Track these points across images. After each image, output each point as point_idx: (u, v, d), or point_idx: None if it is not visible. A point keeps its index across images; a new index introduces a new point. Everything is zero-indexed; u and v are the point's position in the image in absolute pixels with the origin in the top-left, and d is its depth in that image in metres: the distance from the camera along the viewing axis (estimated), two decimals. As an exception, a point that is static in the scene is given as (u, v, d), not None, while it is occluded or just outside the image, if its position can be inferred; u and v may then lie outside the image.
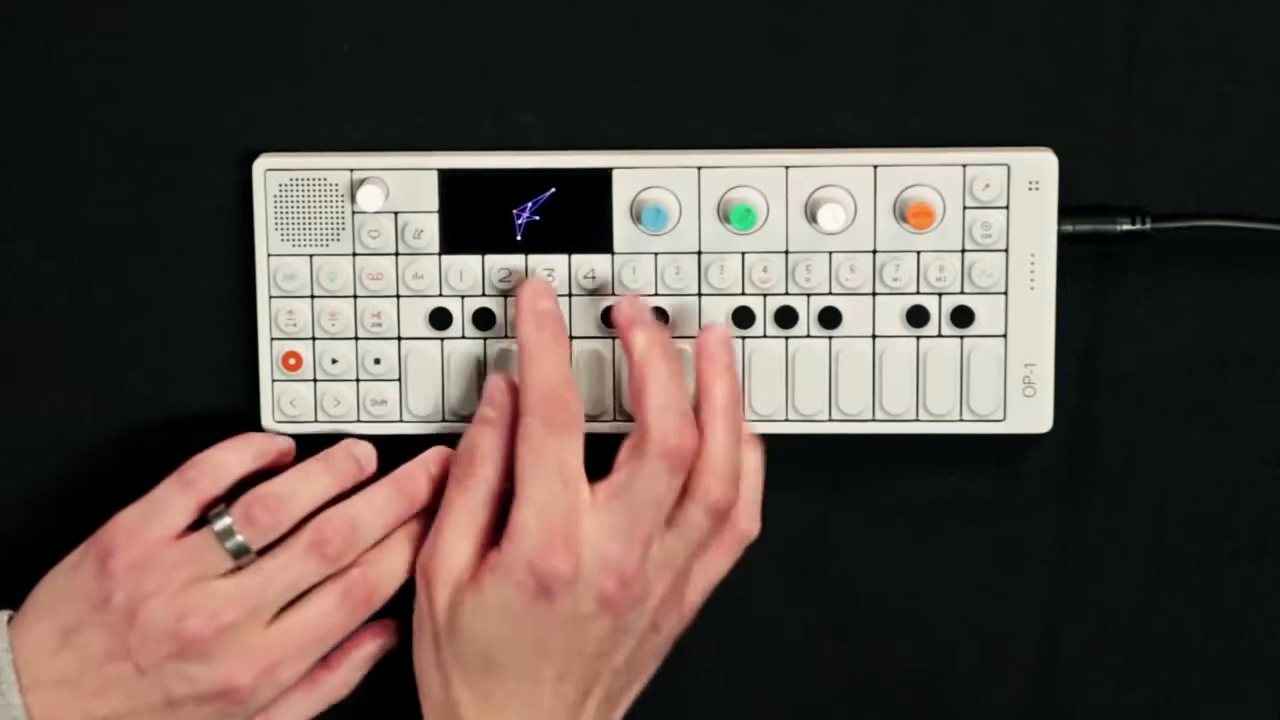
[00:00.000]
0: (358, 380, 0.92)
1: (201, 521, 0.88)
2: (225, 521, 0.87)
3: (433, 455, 0.90)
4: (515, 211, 0.90)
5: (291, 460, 0.91)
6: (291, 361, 0.92)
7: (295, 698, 0.90)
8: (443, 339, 0.92)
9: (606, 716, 0.88)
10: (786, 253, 0.91)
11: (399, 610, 0.91)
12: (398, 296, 0.91)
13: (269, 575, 0.87)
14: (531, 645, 0.85)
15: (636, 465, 0.85)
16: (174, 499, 0.88)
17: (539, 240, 0.91)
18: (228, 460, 0.89)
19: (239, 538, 0.87)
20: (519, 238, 0.90)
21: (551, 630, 0.85)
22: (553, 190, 0.90)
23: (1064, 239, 0.90)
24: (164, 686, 0.86)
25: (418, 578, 0.88)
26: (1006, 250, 0.90)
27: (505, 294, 0.91)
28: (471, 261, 0.91)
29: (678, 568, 0.87)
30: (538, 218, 0.90)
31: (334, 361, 0.92)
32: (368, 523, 0.88)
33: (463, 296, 0.91)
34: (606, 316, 0.91)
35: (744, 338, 0.91)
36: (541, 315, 0.88)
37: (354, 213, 0.91)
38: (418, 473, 0.90)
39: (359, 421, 0.92)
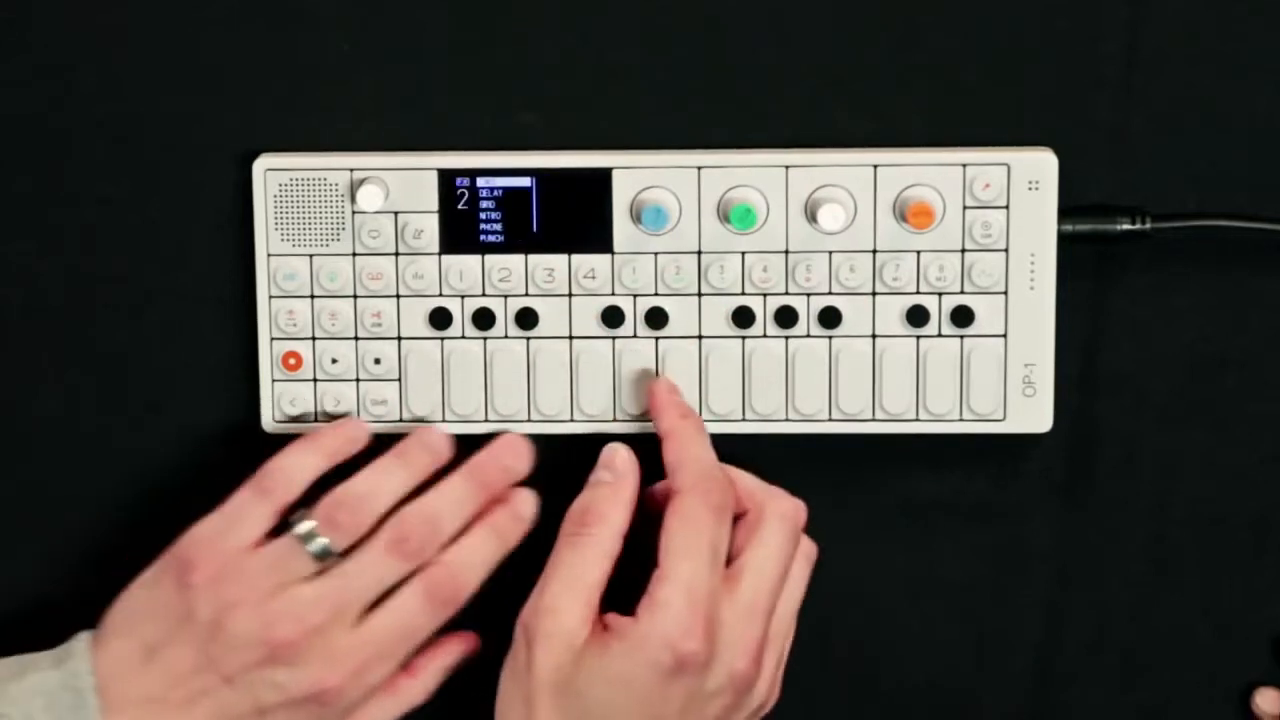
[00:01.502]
0: (358, 380, 0.92)
1: (281, 526, 0.87)
2: (308, 525, 0.86)
3: (504, 444, 0.90)
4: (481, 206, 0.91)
5: (365, 447, 0.90)
6: (291, 361, 0.92)
7: (376, 702, 0.90)
8: (443, 339, 0.92)
9: None
10: (786, 252, 0.91)
11: (481, 617, 0.91)
12: (398, 296, 0.91)
13: (352, 577, 0.86)
14: (648, 717, 0.85)
15: (761, 544, 0.87)
16: (251, 508, 0.87)
17: (539, 240, 0.91)
18: (301, 464, 0.88)
19: (322, 541, 0.86)
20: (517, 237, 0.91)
21: (671, 706, 0.85)
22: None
23: (1064, 239, 0.90)
24: (253, 695, 0.86)
25: (518, 632, 0.86)
26: (1006, 250, 0.90)
27: (505, 295, 0.91)
28: (471, 261, 0.91)
29: (783, 633, 0.89)
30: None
31: (334, 361, 0.92)
32: (445, 516, 0.88)
33: (463, 296, 0.91)
34: (606, 316, 0.91)
35: (744, 338, 0.91)
36: (683, 406, 0.90)
37: (354, 213, 0.91)
38: (490, 462, 0.90)
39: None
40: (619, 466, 0.89)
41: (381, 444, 0.90)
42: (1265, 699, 0.94)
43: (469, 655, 0.92)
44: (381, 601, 0.87)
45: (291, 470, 0.88)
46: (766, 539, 0.87)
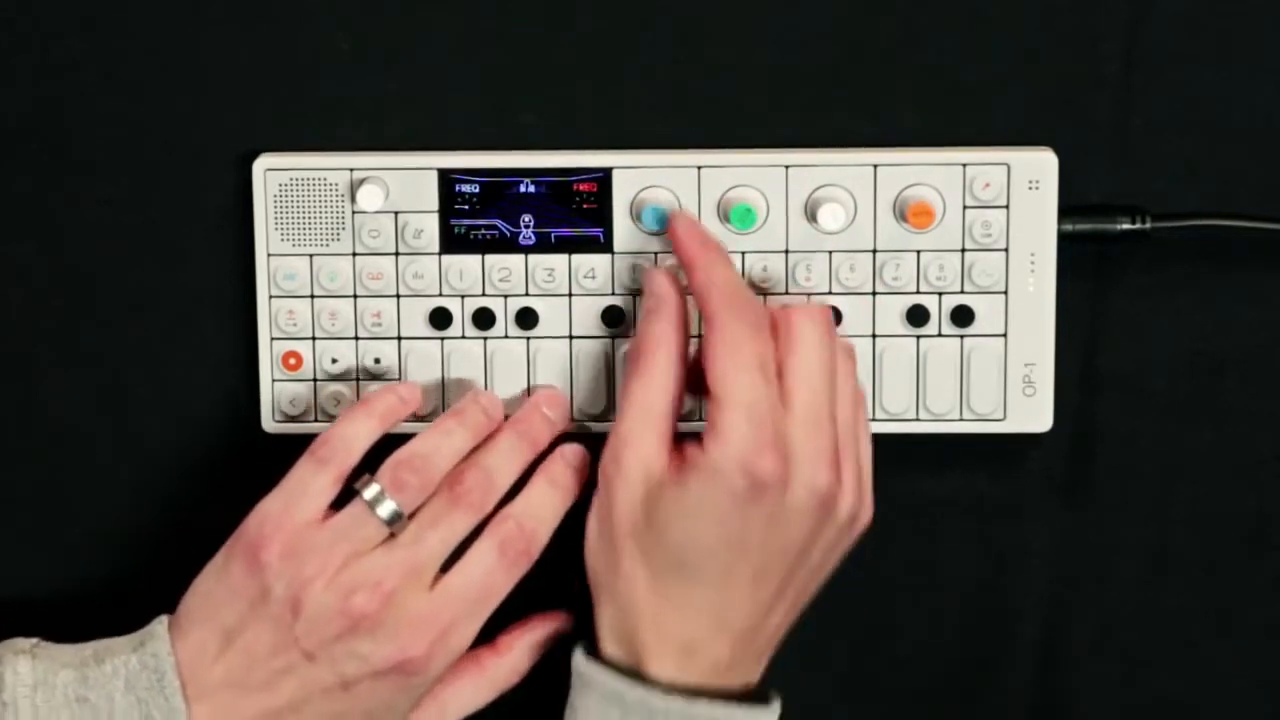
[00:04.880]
0: (358, 380, 0.92)
1: (343, 496, 0.87)
2: (375, 489, 0.86)
3: (543, 397, 0.91)
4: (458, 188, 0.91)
5: (417, 409, 0.90)
6: (291, 361, 0.92)
7: (464, 684, 0.90)
8: (443, 339, 0.92)
9: (790, 617, 0.88)
10: (786, 252, 0.91)
11: (567, 599, 0.92)
12: (398, 296, 0.91)
13: (420, 536, 0.86)
14: (731, 546, 0.84)
15: (799, 347, 0.84)
16: (312, 480, 0.86)
17: (539, 240, 0.91)
18: (357, 430, 0.88)
19: (391, 504, 0.86)
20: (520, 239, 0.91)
21: (755, 530, 0.84)
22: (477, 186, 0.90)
23: (1064, 239, 0.90)
24: (337, 669, 0.85)
25: (600, 478, 0.86)
26: (1006, 250, 0.90)
27: (505, 295, 0.91)
28: (471, 261, 0.91)
29: (852, 439, 0.86)
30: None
31: (334, 361, 0.92)
32: (499, 469, 0.88)
33: (463, 296, 0.91)
34: (607, 316, 0.91)
35: (744, 337, 0.91)
36: (704, 234, 0.88)
37: (354, 213, 0.91)
38: (533, 414, 0.90)
39: (359, 421, 0.92)
40: (658, 291, 0.87)
41: (392, 443, 0.90)
42: None
43: (560, 633, 0.92)
44: (454, 564, 0.87)
45: (348, 437, 0.87)
46: (804, 345, 0.85)
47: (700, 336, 0.86)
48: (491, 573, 0.87)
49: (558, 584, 0.91)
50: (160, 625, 0.87)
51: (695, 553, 0.84)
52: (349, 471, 0.87)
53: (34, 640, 0.87)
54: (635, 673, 0.85)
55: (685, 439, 0.85)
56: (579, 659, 0.87)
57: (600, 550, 0.86)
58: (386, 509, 0.86)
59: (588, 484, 0.89)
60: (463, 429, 0.88)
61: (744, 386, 0.83)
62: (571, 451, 0.90)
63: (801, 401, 0.84)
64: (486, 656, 0.91)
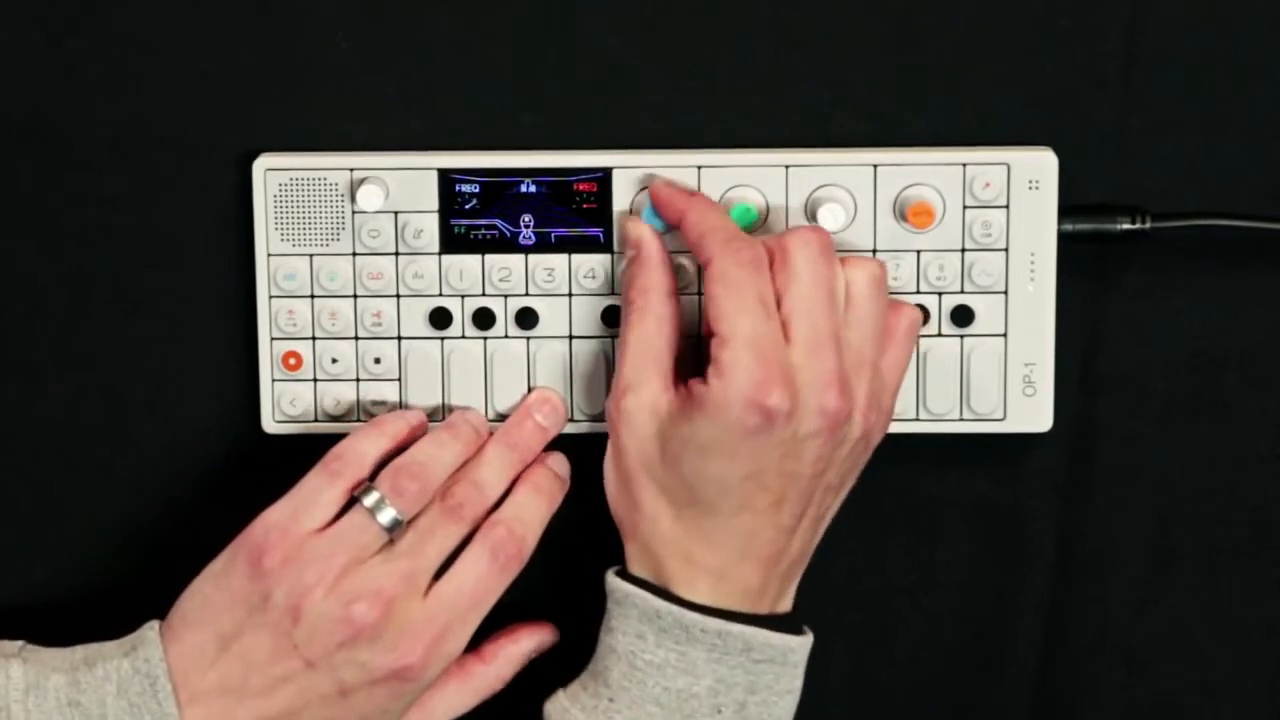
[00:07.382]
0: (358, 380, 0.92)
1: (343, 507, 0.87)
2: (375, 496, 0.87)
3: (534, 400, 0.91)
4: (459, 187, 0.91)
5: (423, 433, 0.91)
6: (291, 361, 0.92)
7: (450, 690, 0.91)
8: (443, 339, 0.92)
9: (814, 536, 0.89)
10: (786, 252, 0.90)
11: (553, 613, 0.93)
12: (398, 296, 0.91)
13: (415, 546, 0.87)
14: (748, 478, 0.85)
15: (794, 277, 0.85)
16: (322, 491, 0.87)
17: (539, 240, 0.91)
18: (368, 447, 0.88)
19: (391, 511, 0.86)
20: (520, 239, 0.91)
21: (769, 460, 0.85)
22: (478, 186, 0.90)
23: (1064, 238, 0.90)
24: (336, 676, 0.86)
25: (608, 420, 0.88)
26: (1006, 249, 0.90)
27: (505, 295, 0.91)
28: (471, 261, 0.91)
29: (868, 359, 0.86)
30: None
31: (334, 361, 0.92)
32: (489, 482, 0.89)
33: (463, 296, 0.91)
34: (606, 316, 0.91)
35: (744, 337, 0.91)
36: (687, 190, 0.89)
37: (354, 212, 0.91)
38: (523, 423, 0.91)
39: (359, 421, 0.92)
40: (634, 236, 0.89)
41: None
42: None
43: (546, 646, 0.93)
44: (446, 571, 0.87)
45: (360, 452, 0.88)
46: (798, 272, 0.85)
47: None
48: (484, 578, 0.87)
49: (544, 591, 0.92)
50: (152, 630, 0.87)
51: (713, 487, 0.85)
52: (358, 484, 0.87)
53: (20, 643, 0.88)
54: (669, 595, 0.87)
55: (689, 376, 0.86)
56: (614, 581, 0.88)
57: (619, 492, 0.88)
58: (387, 516, 0.86)
59: (570, 491, 0.91)
60: (456, 441, 0.89)
61: (748, 324, 0.84)
62: (555, 459, 0.91)
63: (802, 330, 0.85)
64: (472, 664, 0.91)
